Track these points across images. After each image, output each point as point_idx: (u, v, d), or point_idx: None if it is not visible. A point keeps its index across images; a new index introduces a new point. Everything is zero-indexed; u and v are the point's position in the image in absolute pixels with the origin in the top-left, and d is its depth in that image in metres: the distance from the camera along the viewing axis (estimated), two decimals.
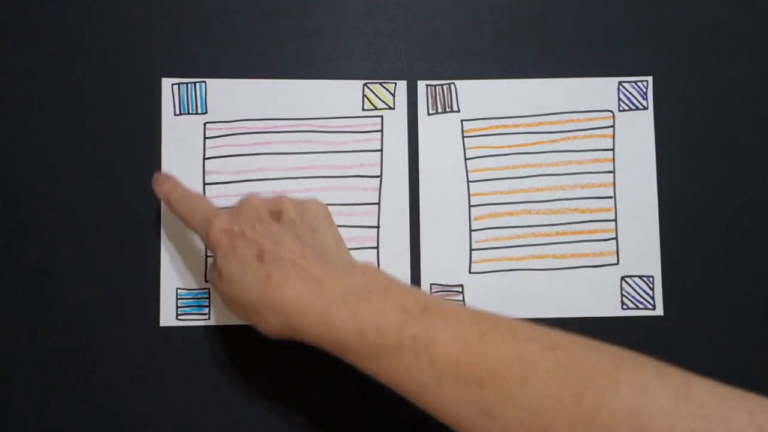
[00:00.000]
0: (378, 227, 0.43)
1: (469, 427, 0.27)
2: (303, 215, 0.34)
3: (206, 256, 0.43)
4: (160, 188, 0.38)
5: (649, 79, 0.45)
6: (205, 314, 0.42)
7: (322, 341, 0.30)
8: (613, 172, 0.44)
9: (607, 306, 0.43)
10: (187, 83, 0.43)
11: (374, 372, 0.29)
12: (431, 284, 0.43)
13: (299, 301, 0.30)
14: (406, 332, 0.28)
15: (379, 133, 0.44)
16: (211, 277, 0.35)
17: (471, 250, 0.44)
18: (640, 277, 0.43)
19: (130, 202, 0.42)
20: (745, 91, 0.45)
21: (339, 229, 0.43)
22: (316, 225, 0.34)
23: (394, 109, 0.44)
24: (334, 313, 0.29)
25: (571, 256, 0.44)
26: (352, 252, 0.43)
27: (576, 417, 0.24)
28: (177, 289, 0.42)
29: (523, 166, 0.44)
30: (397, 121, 0.44)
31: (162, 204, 0.42)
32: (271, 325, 0.31)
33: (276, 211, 0.34)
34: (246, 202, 0.34)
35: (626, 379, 0.25)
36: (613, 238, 0.44)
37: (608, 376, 0.25)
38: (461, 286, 0.43)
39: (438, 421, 0.30)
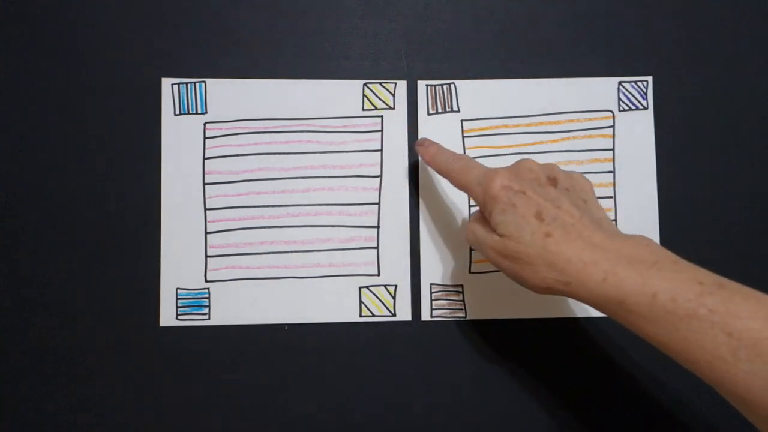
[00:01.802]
0: (378, 227, 0.43)
1: (760, 402, 0.26)
2: (574, 186, 0.35)
3: (206, 256, 0.43)
4: (426, 150, 0.40)
5: (649, 79, 0.45)
6: (205, 314, 0.42)
7: (604, 298, 0.30)
8: (613, 172, 0.44)
9: None
10: (187, 83, 0.43)
11: (657, 337, 0.29)
12: (431, 284, 0.43)
13: (581, 258, 0.30)
14: (702, 302, 0.27)
15: (379, 133, 0.44)
16: (473, 231, 0.36)
17: (471, 250, 0.44)
18: None
19: (130, 202, 0.42)
20: (745, 91, 0.45)
21: (339, 229, 0.43)
22: (586, 197, 0.35)
23: (394, 109, 0.44)
24: (621, 273, 0.29)
25: None
26: (352, 252, 0.43)
27: None
28: (177, 289, 0.42)
29: None
30: (397, 121, 0.44)
31: (162, 204, 0.42)
32: (543, 277, 0.32)
33: (552, 177, 0.35)
34: (524, 164, 0.35)
35: None
36: None
37: None
38: (461, 286, 0.43)
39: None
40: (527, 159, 0.35)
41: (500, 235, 0.33)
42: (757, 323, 0.26)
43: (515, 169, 0.35)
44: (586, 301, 0.31)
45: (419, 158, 0.43)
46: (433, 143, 0.40)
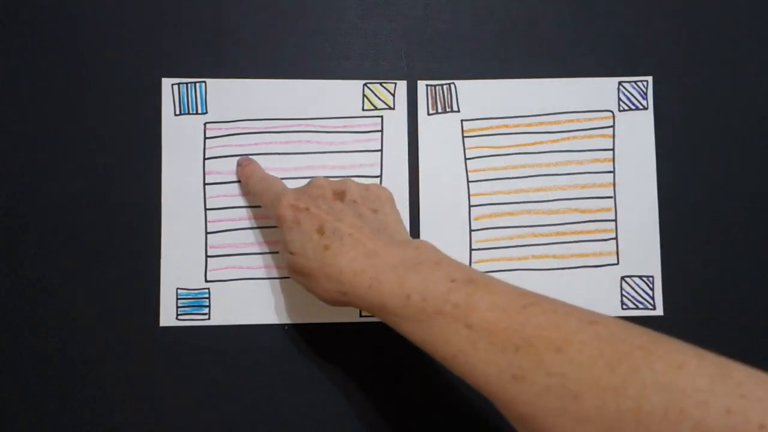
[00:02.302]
0: None
1: (498, 391, 0.27)
2: (366, 197, 0.37)
3: (206, 256, 0.43)
4: (243, 170, 0.42)
5: (649, 79, 0.45)
6: (205, 314, 0.42)
7: (370, 305, 0.32)
8: (613, 172, 0.44)
9: (607, 306, 0.43)
10: (187, 83, 0.43)
11: (413, 335, 0.30)
12: None
13: (352, 267, 0.32)
14: (448, 299, 0.29)
15: (379, 133, 0.44)
16: (280, 250, 0.38)
17: (471, 250, 0.44)
18: (640, 277, 0.43)
19: (130, 202, 0.42)
20: (745, 91, 0.45)
21: None
22: (378, 206, 0.36)
23: (394, 109, 0.44)
24: (382, 279, 0.31)
25: (571, 256, 0.44)
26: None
27: (606, 386, 0.24)
28: (177, 289, 0.42)
29: (523, 166, 0.44)
30: (397, 121, 0.44)
31: (162, 204, 0.43)
32: (326, 290, 0.33)
33: (340, 191, 0.36)
34: (314, 182, 0.37)
35: (663, 355, 0.25)
36: (613, 238, 0.44)
37: (644, 350, 0.25)
38: None
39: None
40: (319, 177, 0.37)
41: (290, 253, 0.35)
42: (494, 314, 0.28)
43: (304, 187, 0.37)
44: (363, 309, 0.33)
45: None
46: (251, 162, 0.42)
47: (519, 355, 0.27)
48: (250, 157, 0.43)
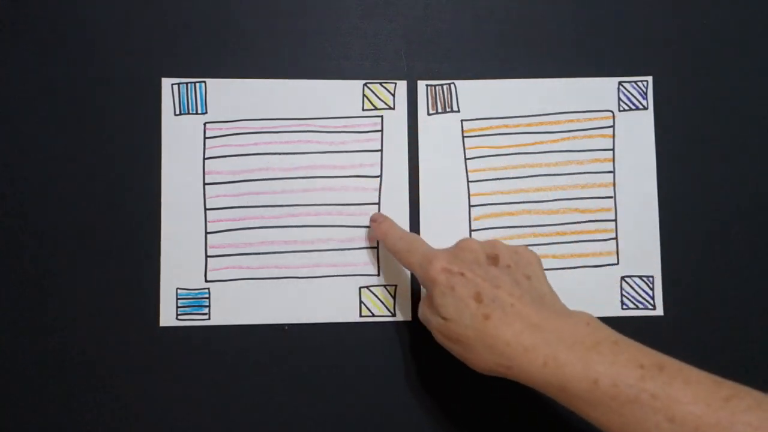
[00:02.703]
0: None
1: None
2: (518, 261, 0.35)
3: (206, 256, 0.43)
4: (379, 227, 0.41)
5: (649, 79, 0.45)
6: (205, 314, 0.42)
7: (545, 383, 0.30)
8: (613, 172, 0.44)
9: (607, 306, 0.43)
10: (187, 83, 0.43)
11: (601, 422, 0.29)
12: None
13: (520, 341, 0.30)
14: (644, 387, 0.28)
15: (379, 133, 0.44)
16: (422, 312, 0.36)
17: None
18: (640, 277, 0.43)
19: (130, 202, 0.42)
20: (745, 91, 0.45)
21: (339, 229, 0.43)
22: (530, 271, 0.34)
23: (394, 109, 0.44)
24: (562, 358, 0.29)
25: (571, 256, 0.44)
26: (352, 252, 0.43)
27: None
28: (177, 289, 0.42)
29: (523, 166, 0.44)
30: (397, 121, 0.44)
31: (162, 203, 0.43)
32: (485, 361, 0.32)
33: (493, 255, 0.35)
34: (464, 244, 0.35)
35: None
36: (613, 238, 0.44)
37: None
38: None
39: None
40: (468, 239, 0.36)
41: (443, 318, 0.33)
42: (698, 408, 0.27)
43: (455, 250, 0.35)
44: (529, 384, 0.31)
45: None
46: (386, 219, 0.41)
47: None
48: (383, 213, 0.42)
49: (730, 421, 0.26)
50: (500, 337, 0.31)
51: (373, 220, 0.42)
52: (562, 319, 0.31)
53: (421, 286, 0.35)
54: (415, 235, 0.40)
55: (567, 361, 0.29)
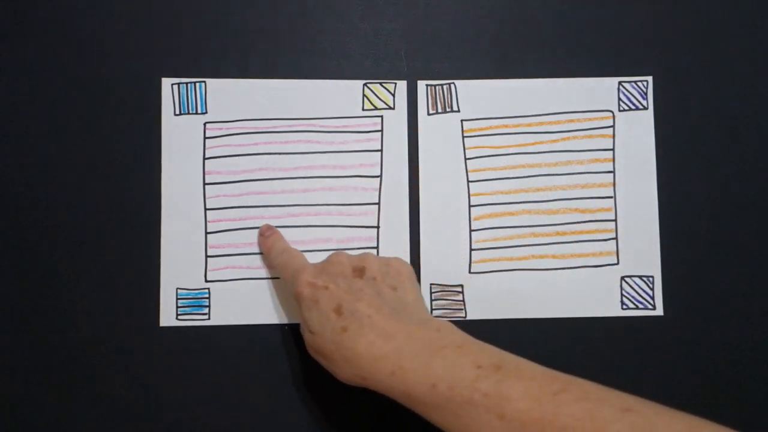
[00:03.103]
0: (378, 227, 0.43)
1: None
2: (386, 273, 0.36)
3: (206, 256, 0.43)
4: (265, 241, 0.41)
5: (649, 79, 0.45)
6: (205, 314, 0.42)
7: (393, 392, 0.31)
8: (613, 172, 0.44)
9: (607, 306, 0.43)
10: (187, 83, 0.43)
11: (441, 423, 0.30)
12: (431, 284, 0.43)
13: (371, 352, 0.31)
14: (477, 387, 0.28)
15: (379, 133, 0.44)
16: (301, 326, 0.37)
17: (471, 250, 0.44)
18: (640, 277, 0.43)
19: (130, 202, 0.42)
20: (745, 91, 0.45)
21: (339, 229, 0.43)
22: (397, 282, 0.35)
23: (394, 109, 0.44)
24: (406, 366, 0.30)
25: (571, 256, 0.44)
26: (352, 252, 0.43)
27: None
28: (177, 289, 0.42)
29: (523, 166, 0.44)
30: (397, 121, 0.44)
31: (162, 204, 0.43)
32: (344, 373, 0.33)
33: (359, 267, 0.35)
34: (333, 258, 0.36)
35: None
36: (613, 238, 0.44)
37: None
38: (461, 286, 0.43)
39: None
40: (339, 252, 0.37)
41: (310, 332, 0.34)
42: (526, 404, 0.27)
43: (324, 264, 0.36)
44: (385, 393, 0.32)
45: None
46: (274, 233, 0.42)
47: None
48: (271, 224, 0.42)
49: (554, 413, 0.27)
50: (355, 348, 0.32)
51: (261, 233, 0.42)
52: (415, 326, 0.32)
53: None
54: (297, 250, 0.40)
55: (410, 368, 0.30)
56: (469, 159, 0.44)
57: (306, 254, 0.43)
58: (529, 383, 0.28)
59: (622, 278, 0.43)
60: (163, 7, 0.44)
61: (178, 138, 0.43)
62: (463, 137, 0.44)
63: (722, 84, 0.45)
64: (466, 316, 0.43)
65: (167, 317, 0.42)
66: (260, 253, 0.43)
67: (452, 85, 0.44)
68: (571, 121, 0.44)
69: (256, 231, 0.43)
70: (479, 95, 0.44)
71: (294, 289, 0.35)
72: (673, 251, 0.44)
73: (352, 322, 0.32)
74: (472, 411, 0.28)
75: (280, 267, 0.39)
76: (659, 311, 0.43)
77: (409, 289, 0.36)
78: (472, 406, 0.28)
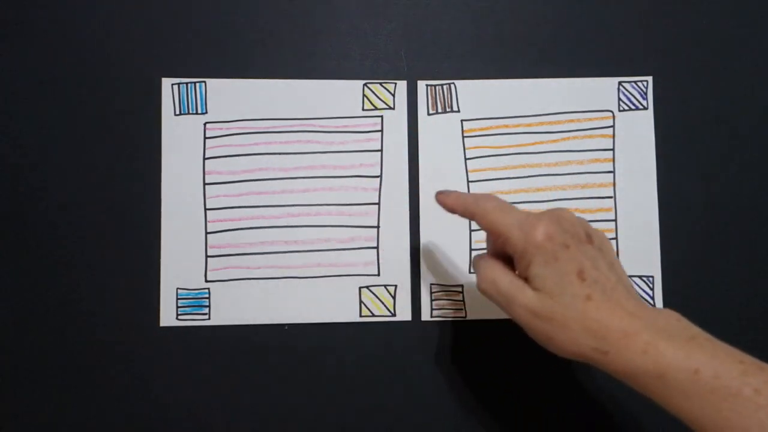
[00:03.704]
0: (378, 227, 0.43)
1: None
2: (604, 246, 0.32)
3: (206, 256, 0.43)
4: (448, 195, 0.36)
5: (649, 79, 0.45)
6: (205, 314, 0.42)
7: (643, 371, 0.28)
8: (613, 172, 0.44)
9: None
10: (187, 83, 0.43)
11: (695, 415, 0.27)
12: (431, 284, 0.43)
13: (622, 326, 0.29)
14: (747, 381, 0.26)
15: (379, 133, 0.44)
16: (498, 279, 0.32)
17: (471, 250, 0.44)
18: (640, 277, 0.43)
19: (130, 202, 0.42)
20: (745, 91, 0.45)
21: (339, 229, 0.43)
22: (612, 259, 0.32)
23: (394, 109, 0.44)
24: (662, 346, 0.28)
25: None
26: (352, 252, 0.43)
27: None
28: (177, 289, 0.42)
29: (523, 166, 0.44)
30: (397, 121, 0.44)
31: (162, 204, 0.43)
32: (579, 344, 0.29)
33: (589, 234, 0.32)
34: (565, 215, 0.32)
35: None
36: (613, 238, 0.44)
37: None
38: (461, 286, 0.43)
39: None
40: (566, 210, 0.32)
41: (535, 290, 0.31)
42: None
43: (557, 220, 0.31)
44: (621, 373, 0.29)
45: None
46: (454, 191, 0.36)
47: None
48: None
49: None
50: (602, 320, 0.29)
51: (439, 192, 0.36)
52: (652, 310, 0.30)
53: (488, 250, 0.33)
54: (495, 195, 0.35)
55: (667, 349, 0.28)
56: (469, 159, 0.44)
57: (306, 254, 0.43)
58: None
59: None
60: (163, 7, 0.44)
61: (178, 138, 0.43)
62: (463, 137, 0.44)
63: (722, 84, 0.45)
64: (466, 316, 0.43)
65: (167, 317, 0.42)
66: (260, 253, 0.43)
67: (452, 85, 0.44)
68: (571, 121, 0.44)
69: (256, 231, 0.43)
70: (479, 95, 0.44)
71: (529, 238, 0.31)
72: (673, 251, 0.44)
73: (596, 290, 0.29)
74: (739, 406, 0.26)
75: (493, 211, 0.33)
76: None
77: (622, 269, 0.33)
78: (740, 400, 0.26)
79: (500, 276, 0.32)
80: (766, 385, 0.26)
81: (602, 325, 0.29)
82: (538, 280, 0.30)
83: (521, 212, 0.32)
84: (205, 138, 0.43)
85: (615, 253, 0.33)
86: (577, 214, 0.33)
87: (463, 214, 0.35)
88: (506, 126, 0.44)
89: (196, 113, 0.43)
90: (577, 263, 0.30)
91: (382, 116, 0.44)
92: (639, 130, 0.44)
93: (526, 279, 0.31)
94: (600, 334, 0.29)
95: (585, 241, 0.31)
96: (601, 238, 0.33)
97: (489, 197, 0.34)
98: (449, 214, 0.43)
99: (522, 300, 0.31)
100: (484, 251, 0.37)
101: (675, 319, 0.30)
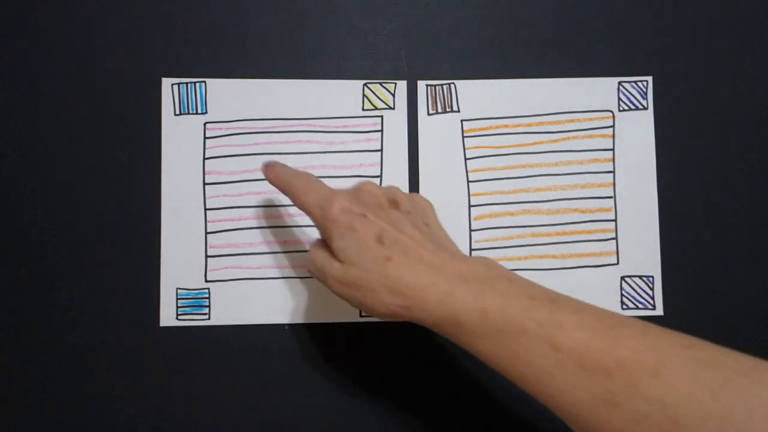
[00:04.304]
0: None
1: (587, 417, 0.26)
2: (416, 208, 0.35)
3: (206, 256, 0.43)
4: (271, 169, 0.37)
5: (649, 79, 0.45)
6: (205, 314, 0.42)
7: (440, 320, 0.30)
8: (613, 172, 0.44)
9: (607, 306, 0.42)
10: (187, 83, 0.43)
11: (489, 354, 0.29)
12: None
13: (419, 281, 0.30)
14: (531, 317, 0.27)
15: (379, 133, 0.44)
16: (314, 258, 0.34)
17: (471, 250, 0.44)
18: (640, 277, 0.43)
19: (130, 202, 0.42)
20: (745, 91, 0.45)
21: None
22: (428, 219, 0.35)
23: (394, 109, 0.44)
24: (456, 293, 0.29)
25: (571, 256, 0.44)
26: None
27: (709, 413, 0.23)
28: (177, 289, 0.42)
29: (523, 166, 0.44)
30: (397, 121, 0.44)
31: (162, 204, 0.43)
32: (386, 304, 0.31)
33: (393, 200, 0.34)
34: (365, 187, 0.34)
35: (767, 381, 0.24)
36: (613, 238, 0.44)
37: (747, 377, 0.24)
38: None
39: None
40: (368, 182, 0.35)
41: (341, 262, 0.32)
42: (582, 334, 0.26)
43: (356, 192, 0.34)
44: (426, 324, 0.30)
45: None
46: (277, 163, 0.38)
47: (612, 380, 0.25)
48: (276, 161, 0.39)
49: (612, 345, 0.26)
50: (401, 278, 0.30)
51: (263, 164, 0.38)
52: (461, 260, 0.31)
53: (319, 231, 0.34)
54: (312, 175, 0.37)
55: (460, 295, 0.29)
56: (469, 159, 0.44)
57: (306, 254, 0.43)
58: (584, 316, 0.27)
59: (622, 278, 0.43)
60: (163, 7, 0.44)
61: (178, 138, 0.43)
62: (463, 137, 0.44)
63: (722, 84, 0.45)
64: None
65: (167, 317, 0.42)
66: (260, 253, 0.43)
67: (452, 85, 0.44)
68: (571, 121, 0.44)
69: (256, 231, 0.43)
70: (479, 95, 0.44)
71: (325, 214, 0.33)
72: (673, 251, 0.44)
73: (396, 251, 0.31)
74: (524, 340, 0.27)
75: (299, 190, 0.35)
76: (659, 311, 0.43)
77: (439, 225, 0.35)
78: (525, 335, 0.27)
79: (316, 254, 0.34)
80: (551, 316, 0.27)
81: (402, 282, 0.30)
82: (340, 252, 0.32)
83: (324, 190, 0.34)
84: (205, 138, 0.43)
85: (430, 214, 0.35)
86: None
87: (282, 192, 0.37)
88: (506, 126, 0.44)
89: (196, 113, 0.43)
90: (375, 229, 0.31)
91: (382, 116, 0.44)
92: (639, 130, 0.44)
93: (334, 253, 0.33)
94: (401, 291, 0.30)
95: (387, 207, 0.33)
96: (412, 203, 0.35)
97: (301, 176, 0.36)
98: (449, 214, 0.44)
99: (331, 272, 0.33)
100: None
101: (481, 264, 0.31)
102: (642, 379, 0.25)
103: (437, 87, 0.44)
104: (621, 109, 0.44)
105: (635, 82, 0.45)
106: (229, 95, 0.43)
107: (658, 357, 0.25)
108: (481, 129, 0.44)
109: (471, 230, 0.44)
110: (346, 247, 0.32)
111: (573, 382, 0.26)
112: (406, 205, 0.34)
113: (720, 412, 0.23)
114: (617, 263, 0.44)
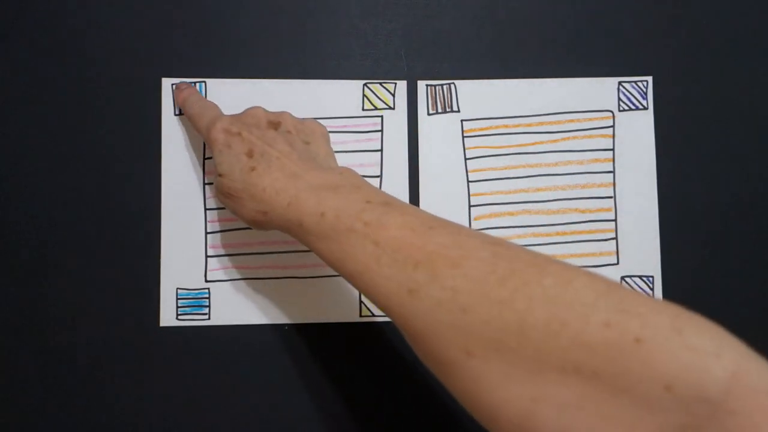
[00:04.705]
0: None
1: (395, 306, 0.28)
2: (300, 129, 0.37)
3: (206, 256, 0.43)
4: (180, 93, 0.42)
5: (649, 79, 0.45)
6: (205, 314, 0.42)
7: (288, 222, 0.32)
8: (613, 172, 0.44)
9: None
10: (187, 83, 0.43)
11: (324, 252, 0.31)
12: None
13: (274, 186, 0.33)
14: (360, 217, 0.30)
15: (379, 133, 0.44)
16: (212, 176, 0.38)
17: None
18: (640, 277, 0.43)
19: (130, 202, 0.42)
20: (745, 91, 0.45)
21: None
22: (311, 139, 0.37)
23: (394, 109, 0.44)
24: (302, 198, 0.32)
25: (571, 256, 0.44)
26: None
27: (495, 299, 0.25)
28: (177, 289, 0.42)
29: (523, 166, 0.44)
30: (397, 121, 0.44)
31: (162, 204, 0.43)
32: (248, 210, 0.34)
33: (275, 121, 0.37)
34: (250, 111, 0.37)
35: (554, 272, 0.25)
36: (613, 238, 0.44)
37: (537, 267, 0.25)
38: None
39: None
40: (256, 106, 0.38)
41: (219, 175, 0.35)
42: (402, 232, 0.28)
43: (240, 115, 0.37)
44: (281, 228, 0.33)
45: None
46: (189, 87, 0.42)
47: (417, 270, 0.27)
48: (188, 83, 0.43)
49: (424, 242, 0.28)
50: (259, 184, 0.33)
51: (177, 87, 0.43)
52: (319, 170, 0.33)
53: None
54: (214, 103, 0.40)
55: (305, 199, 0.32)
56: (469, 159, 0.44)
57: (306, 254, 0.43)
58: (409, 218, 0.29)
59: (622, 278, 0.43)
60: (163, 7, 0.43)
61: (178, 138, 0.43)
62: (463, 137, 0.44)
63: (722, 84, 0.45)
64: None
65: (167, 317, 0.42)
66: (260, 253, 0.43)
67: (452, 85, 0.44)
68: (571, 121, 0.44)
69: (256, 231, 0.43)
70: (479, 95, 0.44)
71: (208, 134, 0.36)
72: (673, 251, 0.44)
73: (261, 162, 0.34)
74: (352, 238, 0.29)
75: (195, 116, 0.39)
76: None
77: (322, 144, 0.37)
78: (353, 233, 0.29)
79: (212, 171, 0.38)
80: (379, 217, 0.29)
81: (258, 188, 0.33)
82: (219, 167, 0.35)
83: (212, 113, 0.38)
84: None
85: (317, 136, 0.37)
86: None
87: (188, 118, 0.41)
88: (506, 126, 0.44)
89: None
90: (248, 145, 0.35)
91: (382, 116, 0.44)
92: (639, 130, 0.44)
93: (215, 168, 0.36)
94: (258, 196, 0.33)
95: (265, 127, 0.36)
96: (297, 126, 0.37)
97: (197, 103, 0.40)
98: (449, 214, 0.44)
99: (216, 185, 0.36)
100: None
101: (337, 173, 0.33)
102: (443, 269, 0.26)
103: (437, 87, 0.44)
104: (621, 109, 0.44)
105: (635, 82, 0.45)
106: (229, 95, 0.43)
107: (463, 251, 0.27)
108: (481, 129, 0.44)
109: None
110: (221, 161, 0.35)
111: (388, 275, 0.28)
112: (288, 126, 0.37)
113: (503, 297, 0.25)
114: (617, 263, 0.44)
